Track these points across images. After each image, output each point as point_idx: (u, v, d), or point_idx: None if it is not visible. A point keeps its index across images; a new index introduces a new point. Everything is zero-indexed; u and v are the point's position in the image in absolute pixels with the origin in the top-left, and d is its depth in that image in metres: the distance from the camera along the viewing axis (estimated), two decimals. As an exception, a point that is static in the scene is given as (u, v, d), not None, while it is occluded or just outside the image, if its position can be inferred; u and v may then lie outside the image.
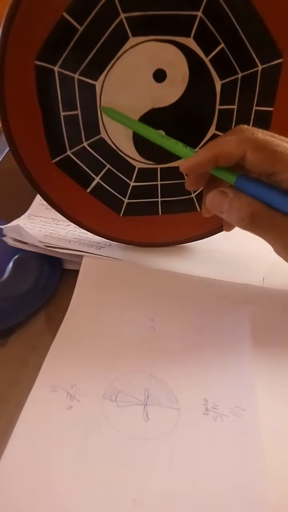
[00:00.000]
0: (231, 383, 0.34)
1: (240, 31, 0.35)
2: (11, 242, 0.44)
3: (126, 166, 0.41)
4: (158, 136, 0.37)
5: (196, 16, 0.34)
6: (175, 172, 0.41)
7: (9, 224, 0.47)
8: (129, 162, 0.41)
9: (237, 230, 0.44)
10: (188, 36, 0.35)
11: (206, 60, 0.36)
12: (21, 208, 0.54)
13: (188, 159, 0.34)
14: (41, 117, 0.37)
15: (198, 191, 0.43)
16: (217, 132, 0.40)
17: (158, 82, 0.37)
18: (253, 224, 0.31)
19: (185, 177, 0.41)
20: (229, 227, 0.41)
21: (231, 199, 0.32)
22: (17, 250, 0.44)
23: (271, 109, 0.38)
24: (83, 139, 0.39)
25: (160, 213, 0.44)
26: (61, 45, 0.34)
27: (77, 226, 0.43)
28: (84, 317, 0.39)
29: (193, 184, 0.36)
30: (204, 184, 0.37)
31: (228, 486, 0.28)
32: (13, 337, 0.37)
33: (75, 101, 0.37)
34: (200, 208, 0.44)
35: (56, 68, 0.35)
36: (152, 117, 0.38)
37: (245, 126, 0.33)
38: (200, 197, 0.43)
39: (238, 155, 0.31)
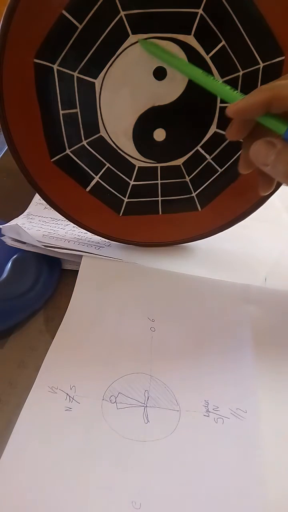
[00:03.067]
0: (232, 385, 0.34)
1: (241, 29, 0.35)
2: (9, 242, 0.43)
3: (126, 165, 0.41)
4: (203, 76, 0.34)
5: (197, 13, 0.34)
6: (176, 171, 0.41)
7: (7, 224, 0.47)
8: (129, 161, 0.40)
9: (239, 230, 0.44)
10: (189, 33, 0.35)
11: (207, 58, 0.36)
12: (19, 208, 0.53)
13: (238, 101, 0.30)
14: (40, 116, 0.37)
15: (199, 190, 0.43)
16: (218, 130, 0.39)
17: (158, 80, 0.36)
18: None
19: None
20: (267, 187, 0.36)
21: (279, 150, 0.29)
22: (15, 250, 0.43)
23: (272, 107, 0.38)
24: (83, 138, 0.39)
25: (160, 213, 0.44)
26: (60, 43, 0.34)
27: (76, 226, 0.43)
28: (84, 317, 0.38)
29: (236, 132, 0.33)
30: (246, 134, 0.33)
31: (229, 488, 0.28)
32: (12, 338, 0.37)
33: (75, 99, 0.37)
34: (201, 208, 0.44)
35: (55, 66, 0.35)
36: (153, 115, 0.38)
37: None
38: (201, 196, 0.43)
39: None
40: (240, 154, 0.35)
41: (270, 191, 0.36)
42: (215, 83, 0.33)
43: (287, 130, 0.29)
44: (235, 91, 0.32)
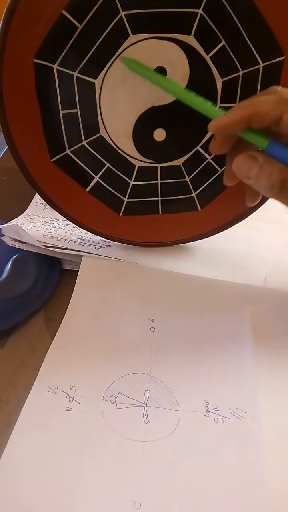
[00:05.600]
0: (232, 385, 0.34)
1: (241, 29, 0.35)
2: (9, 242, 0.43)
3: (126, 165, 0.41)
4: (183, 92, 0.34)
5: (197, 13, 0.34)
6: (176, 171, 0.41)
7: (7, 224, 0.47)
8: (129, 161, 0.40)
9: (239, 230, 0.44)
10: (189, 33, 0.35)
11: (207, 58, 0.36)
12: (19, 208, 0.53)
13: (219, 118, 0.31)
14: (40, 116, 0.37)
15: (199, 190, 0.43)
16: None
17: (159, 80, 0.36)
18: (283, 192, 0.29)
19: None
20: (254, 199, 0.37)
21: (261, 164, 0.30)
22: (15, 250, 0.43)
23: (272, 107, 0.38)
24: (83, 138, 0.39)
25: (160, 213, 0.44)
26: (61, 43, 0.34)
27: (76, 226, 0.43)
28: (84, 317, 0.38)
29: (219, 146, 0.33)
30: (229, 148, 0.34)
31: (229, 488, 0.28)
32: (12, 338, 0.37)
33: (75, 99, 0.37)
34: (201, 208, 0.44)
35: (55, 66, 0.35)
36: (153, 115, 0.38)
37: (280, 87, 0.31)
38: (201, 196, 0.43)
39: (274, 117, 0.29)
40: (225, 166, 0.36)
41: (257, 203, 0.38)
42: (196, 99, 0.33)
43: (268, 144, 0.30)
44: (217, 107, 0.32)
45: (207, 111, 0.33)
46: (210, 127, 0.31)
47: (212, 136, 0.39)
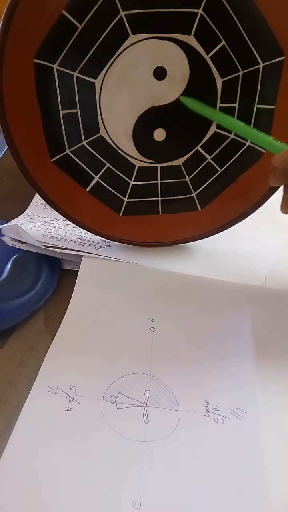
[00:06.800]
0: (232, 385, 0.34)
1: (241, 29, 0.35)
2: (9, 242, 0.43)
3: (126, 165, 0.41)
4: (246, 128, 0.36)
5: (197, 13, 0.34)
6: (176, 171, 0.41)
7: (7, 224, 0.47)
8: (129, 161, 0.40)
9: (239, 230, 0.44)
10: (189, 33, 0.35)
11: (207, 58, 0.36)
12: (19, 208, 0.53)
13: (285, 151, 0.33)
14: (40, 116, 0.37)
15: (199, 190, 0.43)
16: (218, 131, 0.39)
17: (158, 80, 0.36)
18: None
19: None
20: None
21: None
22: (15, 250, 0.43)
23: (273, 107, 0.38)
24: (83, 138, 0.39)
25: (160, 213, 0.44)
26: (60, 43, 0.34)
27: (76, 226, 0.43)
28: (84, 317, 0.38)
29: (279, 179, 0.35)
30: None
31: (229, 488, 0.28)
32: (12, 338, 0.37)
33: (75, 99, 0.37)
34: (201, 208, 0.44)
35: (55, 66, 0.35)
36: (153, 115, 0.38)
37: None
38: (201, 196, 0.43)
39: None
40: (282, 196, 0.37)
41: None
42: (258, 134, 0.35)
43: None
44: (279, 142, 0.33)
45: (269, 145, 0.34)
46: (275, 160, 0.33)
47: (213, 134, 0.39)
